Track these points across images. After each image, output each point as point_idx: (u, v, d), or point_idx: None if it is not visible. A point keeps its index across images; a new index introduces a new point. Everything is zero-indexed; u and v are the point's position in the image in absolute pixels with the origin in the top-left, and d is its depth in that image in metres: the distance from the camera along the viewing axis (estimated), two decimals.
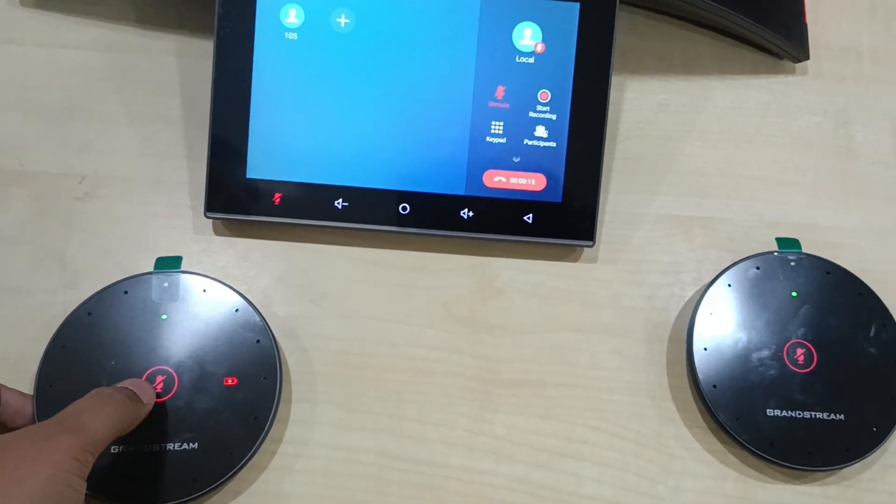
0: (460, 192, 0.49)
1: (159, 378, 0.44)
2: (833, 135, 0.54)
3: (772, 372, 0.47)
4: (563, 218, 0.49)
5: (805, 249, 0.50)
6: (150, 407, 0.43)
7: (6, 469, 0.35)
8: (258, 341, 0.46)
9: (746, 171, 0.53)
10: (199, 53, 0.53)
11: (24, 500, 0.34)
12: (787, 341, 0.47)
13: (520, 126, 0.49)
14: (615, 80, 0.54)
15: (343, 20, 0.48)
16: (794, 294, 0.48)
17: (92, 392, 0.40)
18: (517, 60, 0.49)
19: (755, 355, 0.47)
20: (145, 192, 0.50)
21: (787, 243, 0.50)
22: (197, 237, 0.50)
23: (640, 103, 0.54)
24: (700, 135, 0.54)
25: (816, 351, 0.47)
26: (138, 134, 0.51)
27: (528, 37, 0.49)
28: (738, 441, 0.46)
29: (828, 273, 0.49)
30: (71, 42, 0.53)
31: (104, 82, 0.53)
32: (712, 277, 0.49)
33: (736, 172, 0.53)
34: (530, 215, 0.49)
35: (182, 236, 0.50)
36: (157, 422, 0.44)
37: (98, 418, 0.39)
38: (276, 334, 0.47)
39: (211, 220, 0.50)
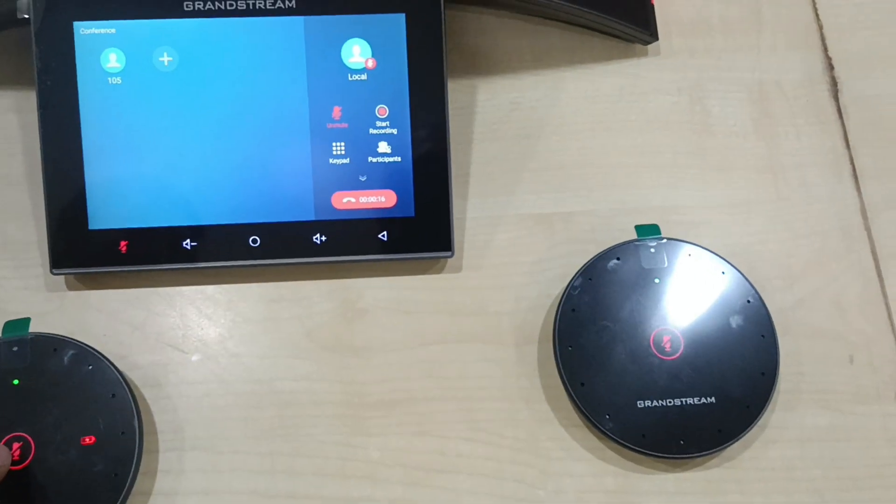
0: (310, 217, 0.48)
1: (15, 445, 0.44)
2: (689, 111, 0.54)
3: (639, 363, 0.46)
4: (418, 231, 0.49)
5: (669, 232, 0.50)
6: (4, 469, 0.42)
7: None
8: (113, 395, 0.45)
9: (604, 160, 0.53)
10: None
11: None
12: (653, 330, 0.47)
13: (361, 144, 0.48)
14: (466, 85, 0.54)
15: (166, 59, 0.47)
16: (656, 280, 0.48)
17: None
18: (350, 79, 0.48)
19: (621, 348, 0.47)
20: None
21: (646, 230, 0.50)
22: (50, 295, 0.49)
23: (492, 104, 0.54)
24: (555, 128, 0.53)
25: (683, 336, 0.47)
26: None
27: (357, 54, 0.48)
28: (611, 437, 0.45)
29: (689, 255, 0.49)
30: None
31: None
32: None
33: (594, 162, 0.53)
34: (384, 233, 0.49)
35: (35, 296, 0.49)
36: (15, 492, 0.43)
37: None
38: (138, 384, 0.47)
39: (63, 277, 0.49)
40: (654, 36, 0.54)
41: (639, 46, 0.55)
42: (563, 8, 0.51)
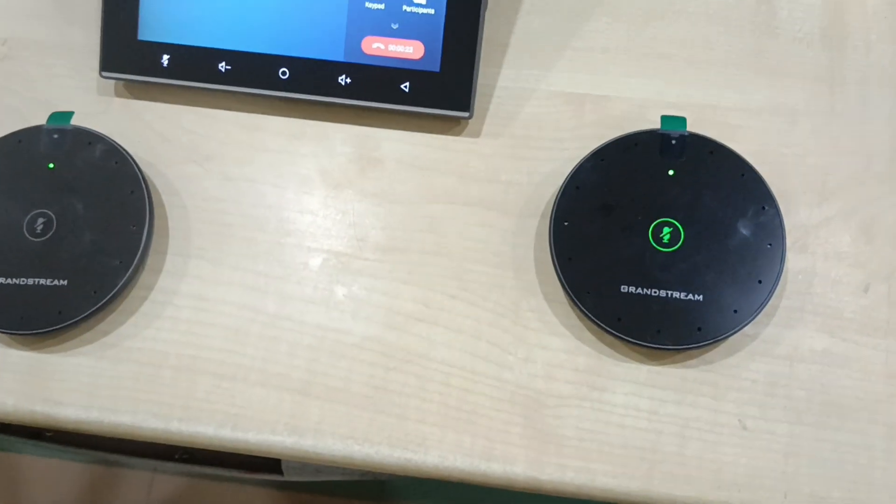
0: (339, 58, 0.49)
1: (40, 220, 0.48)
2: (754, 10, 0.51)
3: (632, 249, 0.45)
4: (439, 87, 0.49)
5: (704, 130, 0.48)
6: None
7: None
8: (132, 192, 0.48)
9: (652, 48, 0.51)
10: None
11: None
12: (655, 219, 0.46)
13: None
14: None
15: None
16: (670, 173, 0.46)
17: None
18: None
19: (617, 232, 0.46)
20: (57, 55, 0.53)
21: (672, 122, 0.48)
22: (99, 98, 0.53)
23: None
24: (608, 10, 0.52)
25: (685, 230, 0.45)
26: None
27: None
28: (587, 315, 0.45)
29: (711, 153, 0.47)
30: None
31: None
32: None
33: (640, 49, 0.51)
34: (407, 83, 0.49)
35: (85, 97, 0.53)
36: (30, 259, 0.47)
37: None
38: (160, 191, 0.50)
39: (113, 83, 0.53)
40: None
41: None
42: None
